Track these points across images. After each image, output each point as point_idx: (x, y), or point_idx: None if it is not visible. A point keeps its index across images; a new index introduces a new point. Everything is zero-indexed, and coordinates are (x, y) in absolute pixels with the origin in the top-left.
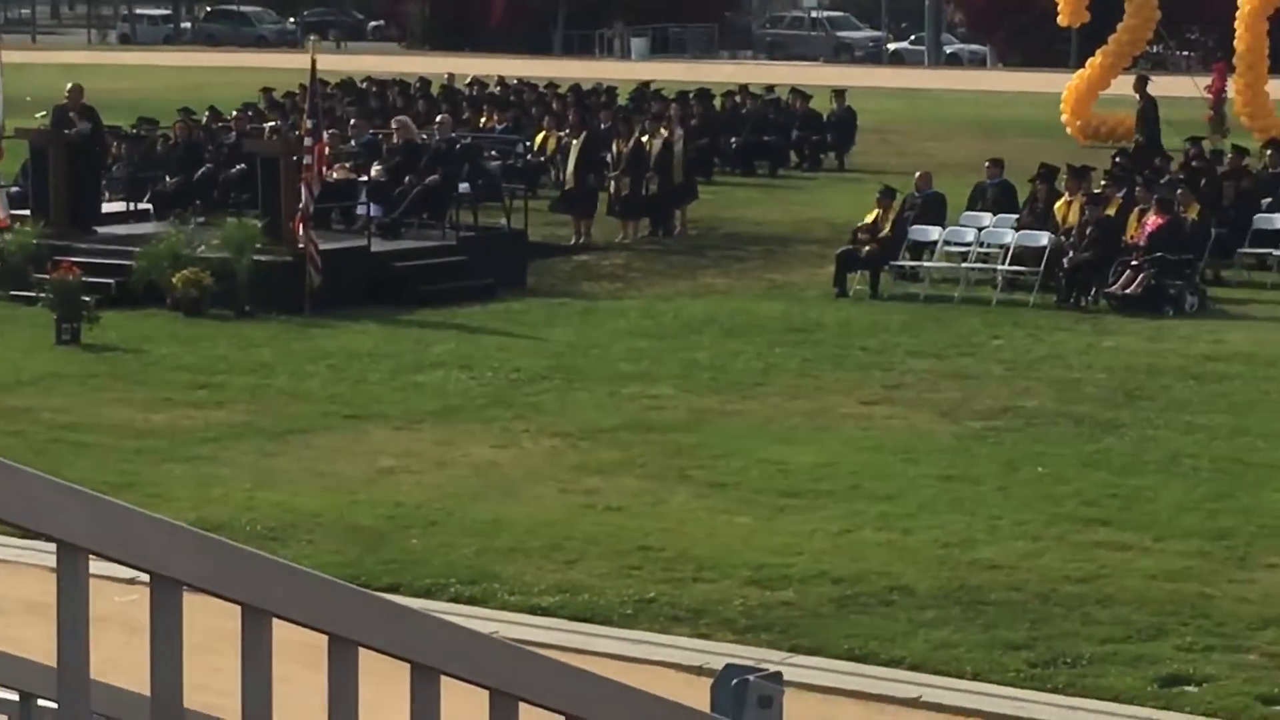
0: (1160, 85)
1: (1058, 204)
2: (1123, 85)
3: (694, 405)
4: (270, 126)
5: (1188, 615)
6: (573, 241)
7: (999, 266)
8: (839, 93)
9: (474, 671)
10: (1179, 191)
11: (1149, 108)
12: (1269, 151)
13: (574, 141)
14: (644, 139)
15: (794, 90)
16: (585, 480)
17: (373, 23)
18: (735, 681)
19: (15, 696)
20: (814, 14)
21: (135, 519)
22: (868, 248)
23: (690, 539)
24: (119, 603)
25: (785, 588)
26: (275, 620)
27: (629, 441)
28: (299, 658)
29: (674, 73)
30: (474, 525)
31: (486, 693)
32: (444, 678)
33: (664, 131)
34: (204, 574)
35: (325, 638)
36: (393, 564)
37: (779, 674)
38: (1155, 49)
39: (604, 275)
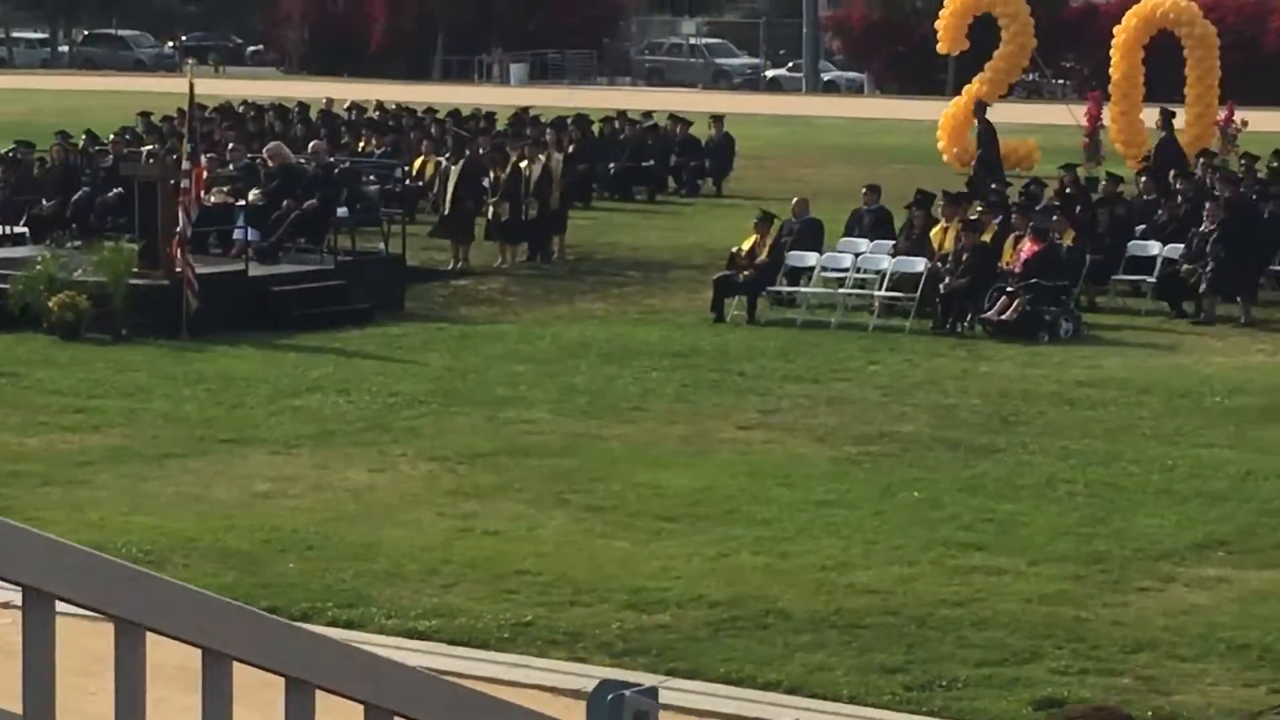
0: (1036, 113)
1: (934, 230)
2: (1000, 112)
3: (571, 430)
4: (148, 150)
5: (1062, 638)
6: (451, 266)
7: (876, 292)
8: (717, 119)
9: (349, 686)
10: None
11: (986, 133)
12: (1142, 179)
13: (453, 167)
14: (522, 164)
15: (672, 116)
16: (462, 504)
17: (251, 47)
18: (611, 697)
19: None
20: (692, 41)
21: (4, 530)
22: (745, 273)
23: (567, 563)
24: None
25: (662, 611)
26: (150, 637)
27: (506, 466)
28: (175, 680)
29: (553, 98)
30: (351, 549)
31: (362, 708)
32: (319, 692)
33: (542, 157)
34: (77, 587)
35: (201, 664)
36: (269, 588)
37: (654, 689)
38: (1031, 77)
39: (482, 300)
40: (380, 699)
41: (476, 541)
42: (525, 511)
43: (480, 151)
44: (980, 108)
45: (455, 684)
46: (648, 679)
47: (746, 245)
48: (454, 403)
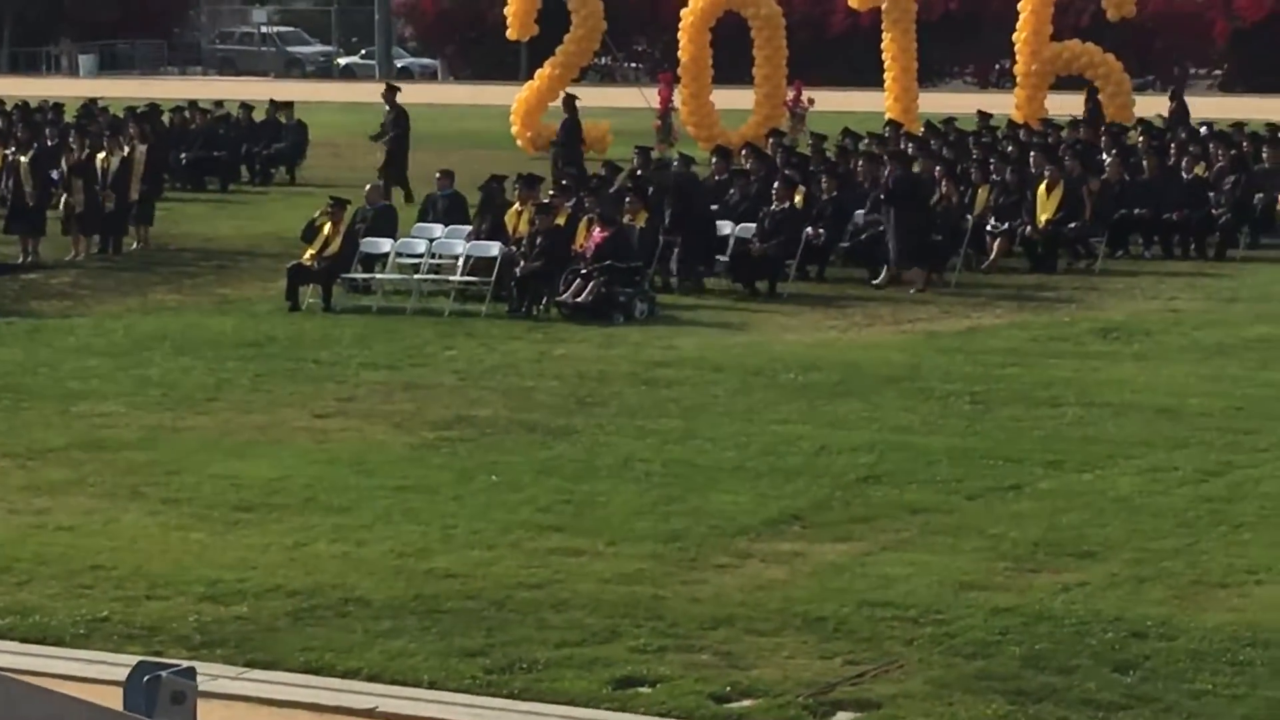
0: (609, 96)
1: (508, 214)
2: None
3: (146, 422)
4: None
5: (641, 617)
6: (20, 260)
7: (451, 278)
8: (287, 106)
9: None
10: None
11: (571, 120)
12: (714, 159)
13: (21, 159)
14: (100, 155)
15: (244, 105)
16: (34, 500)
17: None
18: (147, 679)
19: None
20: (264, 29)
21: None
22: (319, 261)
23: (143, 556)
24: None
25: (240, 603)
26: None
27: (79, 460)
28: None
29: (124, 89)
30: None
31: None
32: None
33: (126, 148)
34: None
35: None
36: None
37: (192, 669)
38: (603, 60)
39: (53, 294)
40: None
41: (50, 538)
42: (99, 506)
43: (50, 143)
44: (570, 101)
45: None
46: (227, 670)
47: (322, 233)
48: (24, 398)
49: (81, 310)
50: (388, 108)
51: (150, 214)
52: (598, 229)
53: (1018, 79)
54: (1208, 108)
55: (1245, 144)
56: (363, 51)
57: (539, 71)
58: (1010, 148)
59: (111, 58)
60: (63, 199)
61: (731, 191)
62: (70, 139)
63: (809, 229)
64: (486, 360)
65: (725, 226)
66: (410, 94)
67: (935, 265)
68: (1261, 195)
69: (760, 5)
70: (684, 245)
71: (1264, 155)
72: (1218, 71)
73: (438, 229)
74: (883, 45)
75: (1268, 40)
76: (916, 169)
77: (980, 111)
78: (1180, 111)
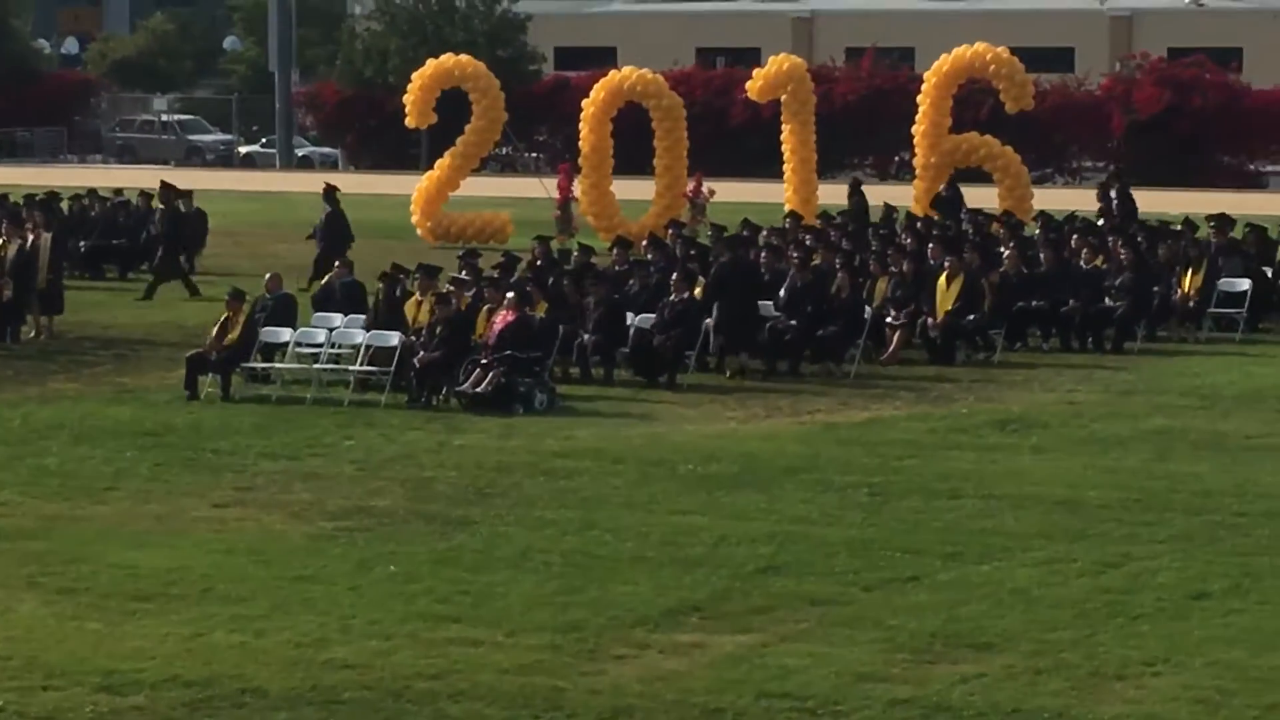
0: (509, 185)
1: (408, 304)
2: (473, 186)
3: (43, 512)
4: None
5: (540, 708)
6: None
7: (351, 367)
8: (187, 194)
9: None
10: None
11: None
12: (614, 250)
13: None
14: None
15: (143, 193)
16: None
17: None
18: None
19: None
20: (165, 117)
21: None
22: (218, 351)
23: (39, 646)
24: None
25: (137, 693)
26: None
27: None
28: None
29: (23, 177)
30: None
31: None
32: None
33: (30, 236)
34: None
35: None
36: None
37: None
38: (504, 150)
39: None
40: None
41: None
42: None
43: None
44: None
45: None
46: None
47: (220, 321)
48: None
49: None
50: (327, 208)
51: (59, 303)
52: (502, 313)
53: (917, 171)
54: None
55: (1141, 237)
56: (263, 140)
57: (439, 161)
58: (909, 239)
59: (10, 145)
60: None
61: (631, 282)
62: None
63: (708, 320)
64: (385, 450)
65: (626, 317)
66: (309, 183)
67: (834, 356)
68: (1158, 288)
69: (661, 96)
70: (604, 333)
71: (1160, 248)
72: (1114, 165)
73: (337, 318)
74: (782, 137)
75: (1164, 134)
76: (816, 261)
77: (886, 204)
78: (1122, 201)
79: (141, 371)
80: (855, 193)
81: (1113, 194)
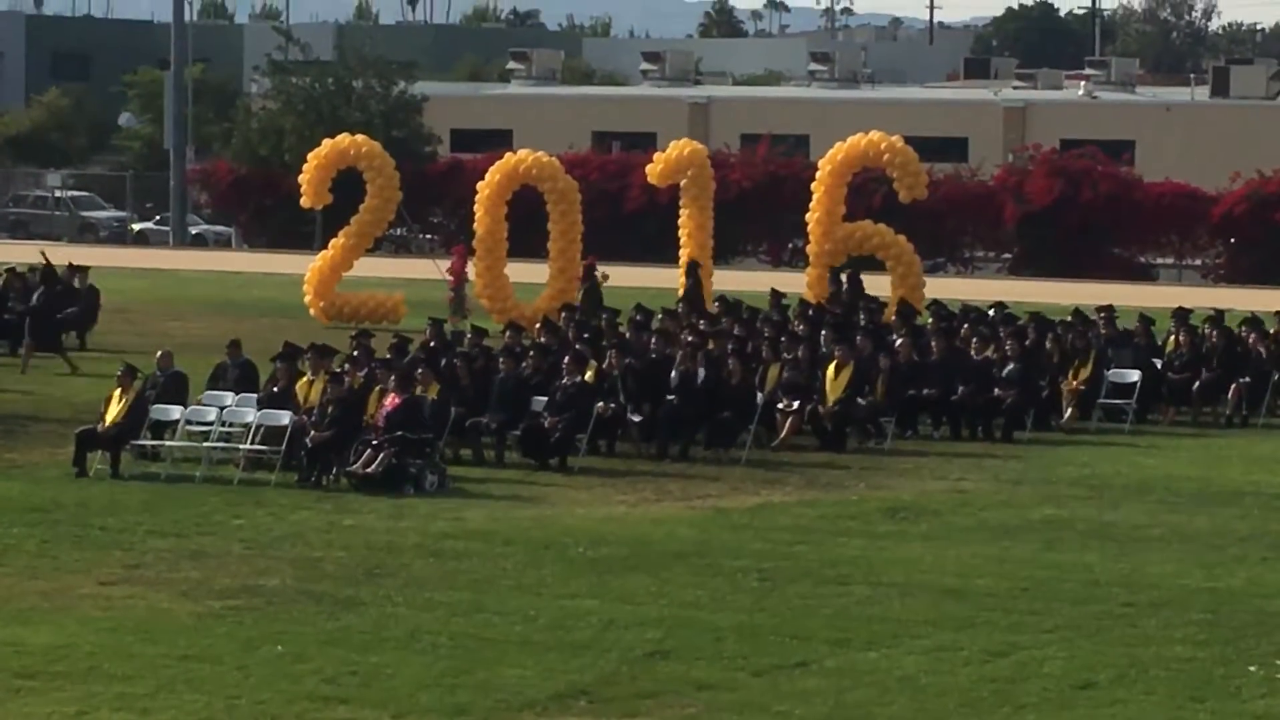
0: (403, 267)
1: (300, 383)
2: (367, 266)
3: None
4: None
5: None
6: None
7: (241, 446)
8: (81, 270)
9: None
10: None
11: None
12: (507, 332)
13: None
14: None
15: (33, 268)
16: None
17: None
18: None
19: None
20: (58, 193)
21: None
22: (108, 427)
23: None
24: None
25: None
26: None
27: None
28: None
29: None
30: None
31: None
32: None
33: None
34: None
35: None
36: None
37: None
38: (399, 231)
39: None
40: None
41: None
42: None
43: None
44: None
45: None
46: None
47: (111, 398)
48: None
49: None
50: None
51: None
52: (392, 395)
53: (810, 258)
54: (996, 290)
55: (1032, 327)
56: (157, 217)
57: (333, 241)
58: (801, 326)
59: None
60: None
61: (524, 365)
62: None
63: (600, 403)
64: (275, 529)
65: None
66: (203, 261)
67: (725, 442)
68: (1047, 379)
69: (556, 179)
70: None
71: (1048, 340)
72: (1007, 255)
73: (229, 397)
74: (679, 221)
75: (1056, 225)
76: (710, 346)
77: (773, 290)
78: (851, 286)
79: (30, 447)
80: (836, 281)
81: (843, 277)
